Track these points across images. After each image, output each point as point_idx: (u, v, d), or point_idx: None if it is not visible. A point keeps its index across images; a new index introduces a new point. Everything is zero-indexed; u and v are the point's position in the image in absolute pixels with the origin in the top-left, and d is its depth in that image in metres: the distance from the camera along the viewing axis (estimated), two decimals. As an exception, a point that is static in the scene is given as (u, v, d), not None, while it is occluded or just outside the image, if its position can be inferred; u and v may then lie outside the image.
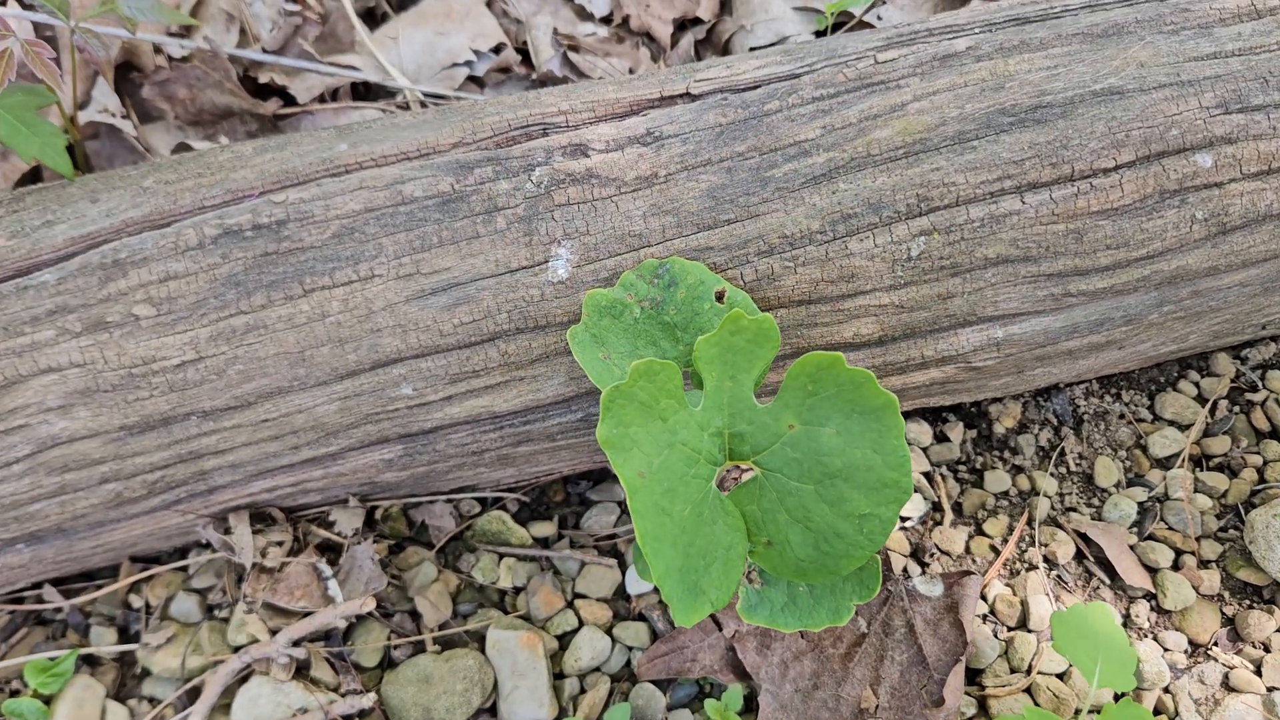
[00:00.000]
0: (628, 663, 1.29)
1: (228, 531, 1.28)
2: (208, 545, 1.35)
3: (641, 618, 1.32)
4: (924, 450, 1.44)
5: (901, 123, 1.14)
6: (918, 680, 1.19)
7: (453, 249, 1.12)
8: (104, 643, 1.33)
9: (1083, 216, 1.14)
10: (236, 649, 1.27)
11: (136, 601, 1.36)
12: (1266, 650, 1.25)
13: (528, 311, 1.12)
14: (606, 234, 1.12)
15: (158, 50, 1.55)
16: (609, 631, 1.31)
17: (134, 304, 1.12)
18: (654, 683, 1.26)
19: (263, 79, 1.63)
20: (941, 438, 1.46)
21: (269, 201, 1.14)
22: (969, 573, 1.26)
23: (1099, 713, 1.08)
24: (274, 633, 1.27)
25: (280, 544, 1.30)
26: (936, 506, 1.40)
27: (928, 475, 1.42)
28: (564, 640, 1.30)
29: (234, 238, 1.13)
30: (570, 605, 1.33)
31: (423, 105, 1.64)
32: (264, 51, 1.61)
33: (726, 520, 1.01)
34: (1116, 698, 1.20)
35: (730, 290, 1.08)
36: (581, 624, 1.31)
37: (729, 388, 1.02)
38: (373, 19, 1.84)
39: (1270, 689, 1.21)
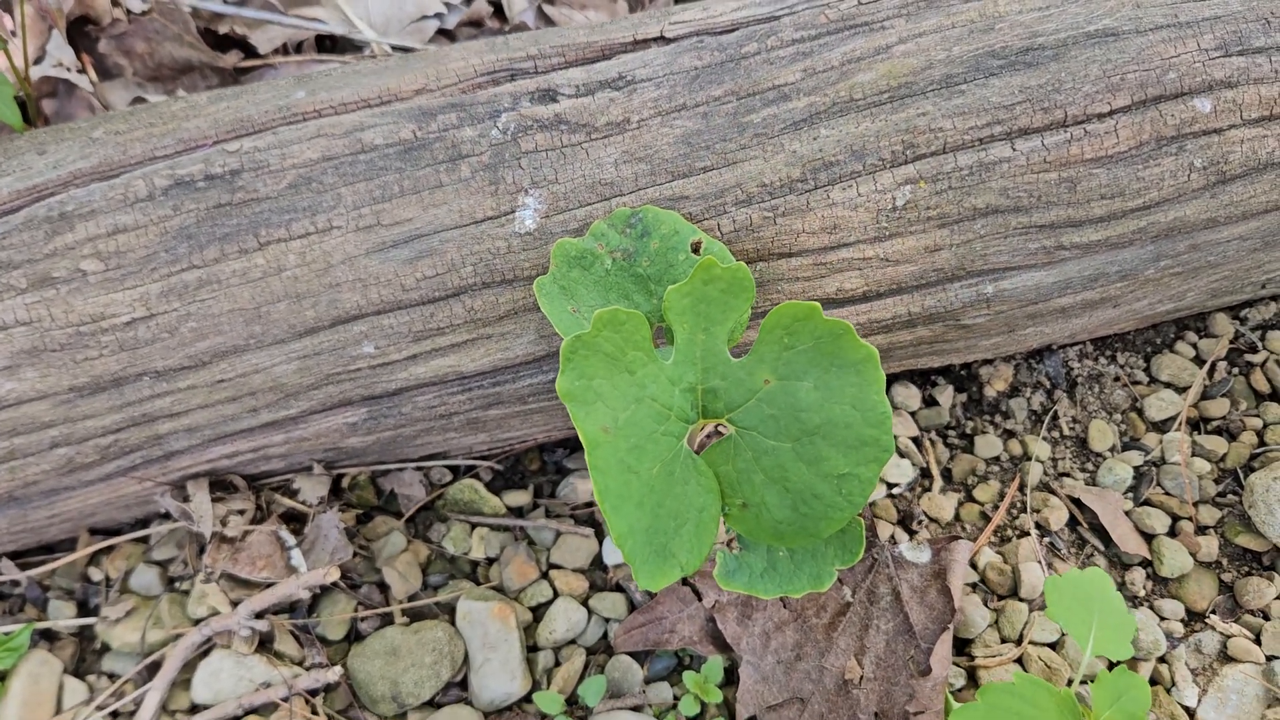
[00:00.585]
0: (604, 635, 1.25)
1: (186, 500, 1.23)
2: (167, 515, 1.29)
3: (619, 588, 1.27)
4: (912, 414, 1.39)
5: (886, 66, 1.09)
6: (904, 650, 1.15)
7: (415, 199, 1.06)
8: (62, 617, 1.28)
9: (1076, 164, 1.09)
10: (197, 622, 1.22)
11: (96, 574, 1.31)
12: (1266, 618, 1.21)
13: (494, 264, 1.07)
14: (576, 182, 1.07)
15: (115, 3, 1.49)
16: (585, 603, 1.26)
17: (81, 259, 1.07)
18: (631, 655, 1.22)
19: (223, 30, 1.57)
20: (930, 401, 1.41)
21: (222, 151, 1.09)
22: (958, 537, 1.21)
23: (1093, 681, 1.03)
24: (235, 604, 1.22)
25: (242, 512, 1.25)
26: (925, 473, 1.35)
27: (916, 440, 1.37)
28: (538, 612, 1.26)
29: (186, 189, 1.07)
30: (545, 576, 1.29)
31: (394, 62, 1.58)
32: (225, 3, 1.55)
33: (699, 480, 0.96)
34: (1111, 667, 1.16)
35: (707, 241, 1.03)
36: (556, 595, 1.27)
37: (702, 341, 0.97)
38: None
39: (1270, 658, 1.17)
